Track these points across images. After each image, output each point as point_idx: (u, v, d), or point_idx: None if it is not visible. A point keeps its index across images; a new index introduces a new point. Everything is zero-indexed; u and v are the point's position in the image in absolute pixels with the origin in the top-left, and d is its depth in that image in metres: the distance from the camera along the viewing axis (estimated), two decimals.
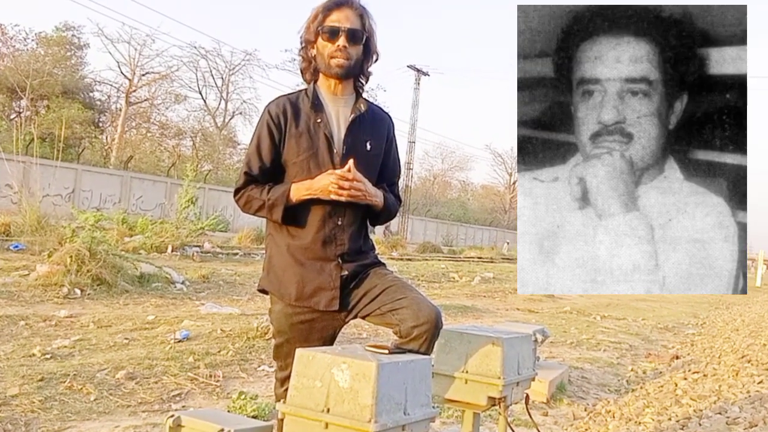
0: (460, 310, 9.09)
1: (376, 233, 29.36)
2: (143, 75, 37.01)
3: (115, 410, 3.30)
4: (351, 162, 1.80)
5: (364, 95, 2.02)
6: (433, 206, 53.86)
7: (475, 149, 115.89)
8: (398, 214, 25.64)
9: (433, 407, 1.65)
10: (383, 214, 1.96)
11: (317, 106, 1.90)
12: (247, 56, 40.19)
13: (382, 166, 1.99)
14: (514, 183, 69.19)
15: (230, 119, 41.21)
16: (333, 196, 1.80)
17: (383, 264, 2.02)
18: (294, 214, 1.89)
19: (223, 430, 1.66)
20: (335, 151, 1.87)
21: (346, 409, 1.47)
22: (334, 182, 1.78)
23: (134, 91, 36.67)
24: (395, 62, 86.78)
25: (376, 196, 1.89)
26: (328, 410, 1.49)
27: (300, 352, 1.57)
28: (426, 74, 43.84)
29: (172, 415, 1.77)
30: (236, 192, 1.96)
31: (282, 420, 1.57)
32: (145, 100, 38.17)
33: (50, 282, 6.84)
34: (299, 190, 1.85)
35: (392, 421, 1.47)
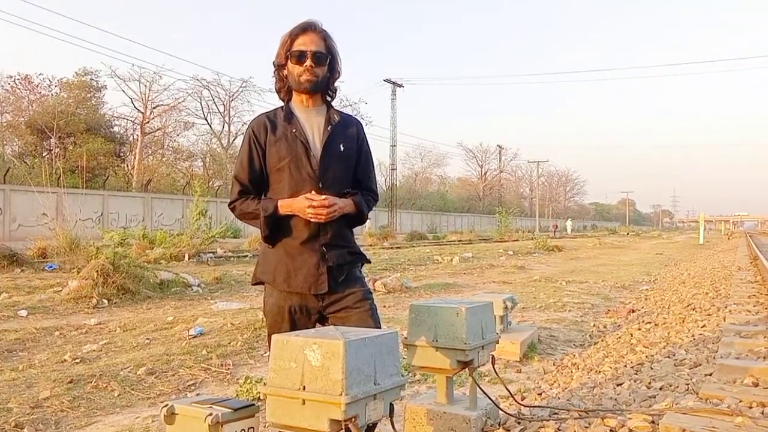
0: (443, 287, 10.09)
1: (368, 226, 33.49)
2: (154, 108, 42.96)
3: (136, 403, 3.67)
4: (329, 198, 2.22)
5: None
6: (417, 200, 62.57)
7: (449, 147, 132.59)
8: (387, 209, 43.66)
9: (402, 375, 1.94)
10: (356, 219, 2.38)
11: (290, 118, 2.34)
12: (244, 83, 46.88)
13: (356, 163, 2.42)
14: (485, 174, 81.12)
15: (234, 140, 46.49)
16: (311, 219, 2.23)
17: (370, 296, 2.38)
18: (281, 222, 2.31)
19: (210, 415, 1.93)
20: (312, 154, 2.30)
21: (320, 385, 1.72)
22: (311, 210, 2.20)
23: (148, 122, 42.48)
24: (375, 78, 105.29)
25: (346, 206, 2.31)
26: (304, 388, 1.74)
27: (276, 338, 1.85)
28: (400, 86, 51.61)
29: (166, 404, 2.06)
30: (230, 203, 2.40)
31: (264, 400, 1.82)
32: (158, 129, 44.23)
33: (81, 295, 7.53)
34: (283, 208, 2.27)
35: (363, 392, 1.73)
